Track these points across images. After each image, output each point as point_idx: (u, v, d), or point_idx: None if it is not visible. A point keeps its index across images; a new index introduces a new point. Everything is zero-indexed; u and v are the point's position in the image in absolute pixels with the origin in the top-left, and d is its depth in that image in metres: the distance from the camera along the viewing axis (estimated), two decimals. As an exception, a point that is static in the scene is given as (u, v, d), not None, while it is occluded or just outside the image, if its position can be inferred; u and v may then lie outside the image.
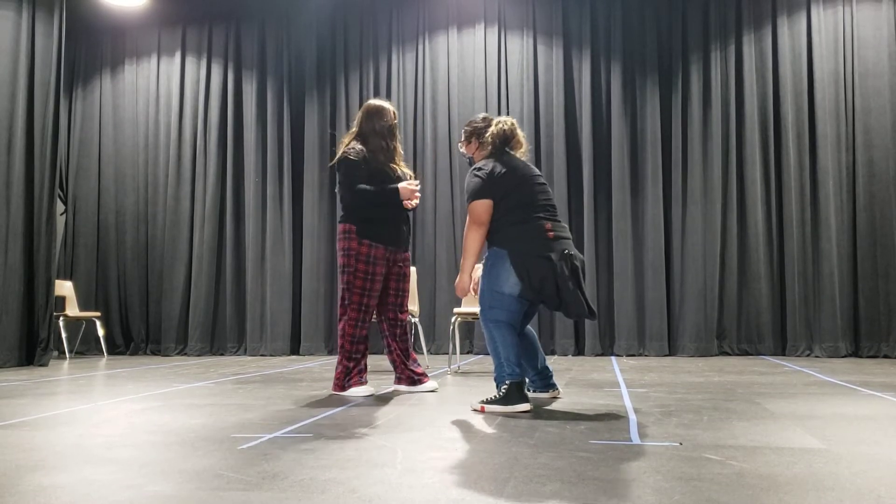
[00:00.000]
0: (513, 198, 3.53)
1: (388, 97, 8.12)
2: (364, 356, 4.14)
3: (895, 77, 7.04)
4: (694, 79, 7.58)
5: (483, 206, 3.52)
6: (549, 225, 3.52)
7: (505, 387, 3.45)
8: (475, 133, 3.79)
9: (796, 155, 7.25)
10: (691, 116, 7.56)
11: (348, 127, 8.25)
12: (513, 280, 3.48)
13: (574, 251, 3.53)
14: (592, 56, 7.77)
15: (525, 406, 3.40)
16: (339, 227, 4.16)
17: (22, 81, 6.71)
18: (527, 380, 3.69)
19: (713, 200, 7.40)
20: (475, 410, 3.46)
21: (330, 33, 8.41)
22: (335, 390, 4.13)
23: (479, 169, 3.58)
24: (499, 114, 7.85)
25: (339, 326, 4.14)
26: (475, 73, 7.99)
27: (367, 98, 8.26)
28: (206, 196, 8.40)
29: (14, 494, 1.94)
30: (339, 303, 4.21)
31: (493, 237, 3.58)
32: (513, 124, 3.70)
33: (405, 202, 4.09)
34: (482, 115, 3.94)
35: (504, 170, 3.55)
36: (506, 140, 3.67)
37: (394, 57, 8.25)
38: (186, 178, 8.51)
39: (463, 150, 3.89)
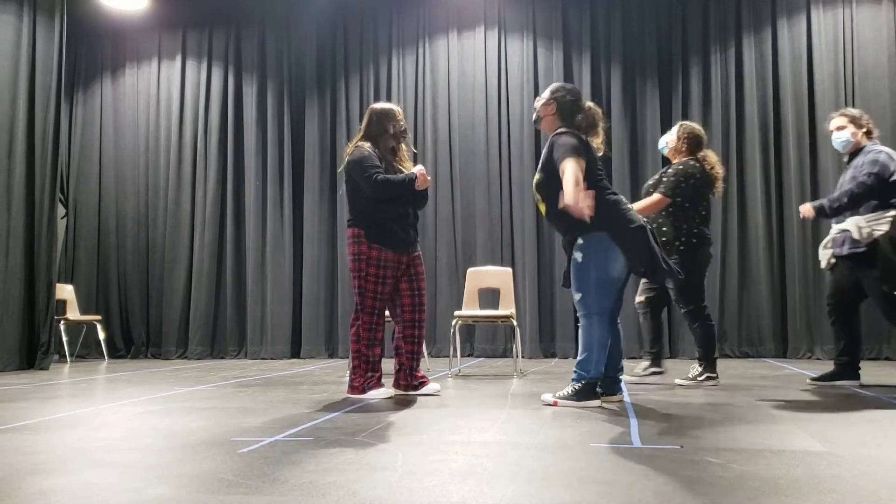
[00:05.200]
0: (591, 172, 3.61)
1: (389, 100, 8.12)
2: (380, 359, 4.14)
3: (895, 79, 7.04)
4: (694, 81, 7.59)
5: (582, 165, 3.56)
6: (622, 198, 3.69)
7: (580, 385, 3.58)
8: (559, 101, 3.78)
9: (796, 157, 7.24)
10: (691, 118, 7.53)
11: (349, 131, 8.30)
12: (620, 261, 3.56)
13: (645, 219, 3.71)
14: (592, 58, 7.78)
15: (596, 403, 3.58)
16: (348, 231, 4.15)
17: (23, 85, 6.72)
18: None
19: (713, 202, 7.38)
20: (548, 404, 3.62)
21: (330, 36, 8.42)
22: (352, 394, 4.11)
23: (569, 133, 3.65)
24: (499, 116, 7.93)
25: (352, 331, 4.13)
26: (475, 76, 8.00)
27: (368, 101, 8.29)
28: (206, 199, 8.41)
29: (14, 498, 1.94)
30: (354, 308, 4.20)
31: (584, 222, 3.57)
32: (600, 114, 3.80)
33: (420, 185, 4.13)
34: (572, 85, 3.96)
35: (585, 142, 3.68)
36: (591, 126, 3.76)
37: (394, 60, 8.26)
38: (187, 182, 8.51)
39: (538, 105, 3.87)
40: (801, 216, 4.61)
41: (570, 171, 3.46)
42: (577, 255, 3.62)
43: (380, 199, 4.07)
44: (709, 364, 4.63)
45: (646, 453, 2.44)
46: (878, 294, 4.30)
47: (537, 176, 3.75)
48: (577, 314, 3.69)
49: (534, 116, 3.90)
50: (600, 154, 3.81)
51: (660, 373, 4.90)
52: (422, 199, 4.29)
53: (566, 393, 3.62)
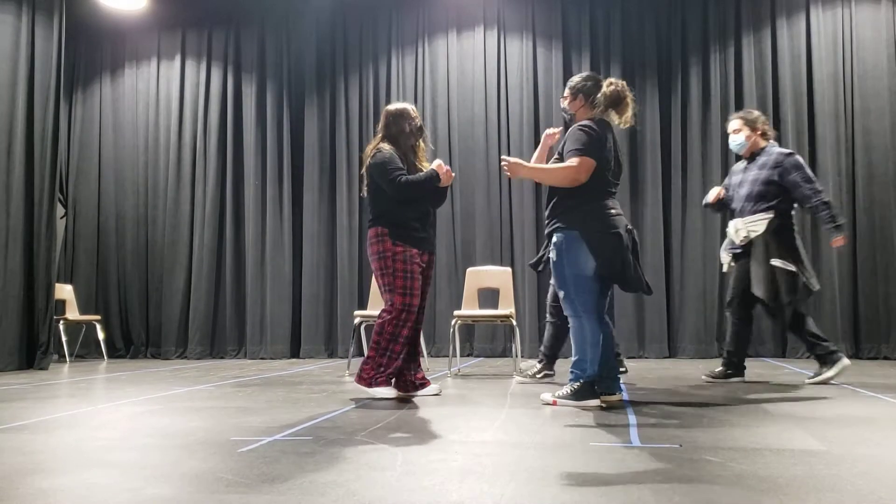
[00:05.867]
0: (601, 173, 3.60)
1: (388, 100, 8.13)
2: (399, 358, 4.07)
3: (894, 79, 7.04)
4: (693, 81, 7.59)
5: (590, 165, 3.56)
6: (610, 202, 3.65)
7: (579, 384, 3.60)
8: (583, 91, 3.78)
9: (796, 157, 7.24)
10: (691, 118, 7.56)
11: (348, 131, 8.30)
12: (591, 261, 3.56)
13: (631, 227, 3.67)
14: (592, 58, 7.77)
15: (595, 402, 3.58)
16: (370, 231, 4.15)
17: (22, 85, 6.72)
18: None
19: (713, 202, 7.39)
20: (547, 403, 3.64)
21: (329, 36, 8.42)
22: (359, 382, 4.08)
23: (591, 127, 3.62)
24: (499, 116, 7.93)
25: (378, 323, 4.09)
26: (475, 76, 8.00)
27: (368, 101, 8.31)
28: (205, 199, 8.40)
29: (13, 498, 1.94)
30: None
31: (562, 217, 3.60)
32: (623, 86, 3.74)
33: (444, 182, 4.14)
34: (587, 73, 3.95)
35: (606, 141, 3.64)
36: (616, 102, 3.70)
37: (393, 60, 8.25)
38: (186, 182, 8.51)
39: (565, 105, 3.87)
40: (838, 245, 4.69)
41: (557, 166, 3.62)
42: (553, 254, 3.66)
43: (403, 200, 4.09)
44: (549, 362, 4.87)
45: (645, 453, 2.44)
46: (737, 289, 4.62)
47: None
48: (565, 313, 3.72)
49: (566, 117, 3.92)
50: (627, 126, 3.77)
51: (550, 376, 4.95)
52: (440, 198, 4.31)
53: (565, 392, 3.63)
